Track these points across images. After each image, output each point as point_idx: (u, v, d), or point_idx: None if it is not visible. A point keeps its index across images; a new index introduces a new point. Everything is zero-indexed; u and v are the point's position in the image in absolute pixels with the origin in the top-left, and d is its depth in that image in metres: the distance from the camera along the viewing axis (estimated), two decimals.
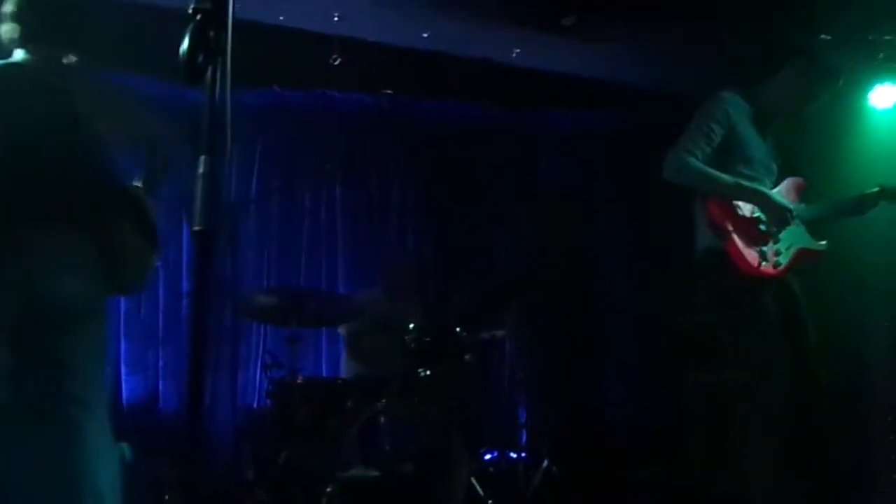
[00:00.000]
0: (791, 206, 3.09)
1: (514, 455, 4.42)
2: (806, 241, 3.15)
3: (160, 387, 4.92)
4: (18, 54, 2.38)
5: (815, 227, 3.25)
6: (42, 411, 2.17)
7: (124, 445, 2.79)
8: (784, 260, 3.05)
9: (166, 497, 3.58)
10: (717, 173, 3.04)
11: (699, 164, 3.02)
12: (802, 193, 3.28)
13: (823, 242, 3.20)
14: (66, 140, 2.30)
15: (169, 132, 2.44)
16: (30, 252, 2.21)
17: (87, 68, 2.44)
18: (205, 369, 1.33)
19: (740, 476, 3.05)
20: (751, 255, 3.02)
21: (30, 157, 2.24)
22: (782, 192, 3.19)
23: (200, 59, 1.31)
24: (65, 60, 2.40)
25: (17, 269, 2.20)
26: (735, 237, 3.02)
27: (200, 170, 1.33)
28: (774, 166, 3.24)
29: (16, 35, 2.37)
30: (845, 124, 4.80)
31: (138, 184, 2.50)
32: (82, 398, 2.22)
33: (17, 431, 2.14)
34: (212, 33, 1.32)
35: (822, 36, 3.21)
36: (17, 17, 2.36)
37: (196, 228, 1.30)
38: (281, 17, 4.56)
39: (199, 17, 1.33)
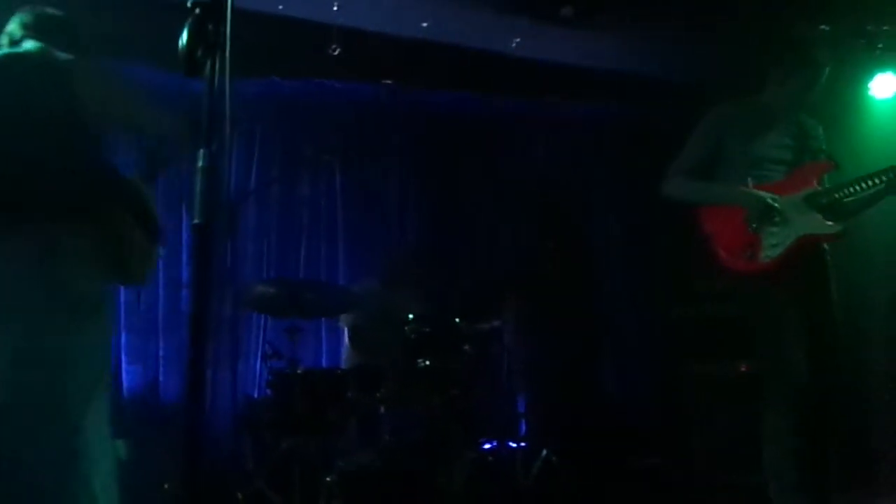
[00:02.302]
0: (768, 198, 3.05)
1: (513, 445, 4.44)
2: (812, 227, 3.04)
3: (160, 377, 4.92)
4: (27, 44, 2.42)
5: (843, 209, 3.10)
6: (42, 411, 2.17)
7: (119, 442, 2.76)
8: (775, 252, 3.02)
9: (165, 486, 3.59)
10: (698, 184, 3.23)
11: (682, 179, 3.25)
12: (827, 175, 3.18)
13: (835, 225, 3.04)
14: (64, 127, 2.30)
15: (176, 123, 2.45)
16: (40, 244, 2.21)
17: (93, 58, 2.46)
18: (204, 362, 1.34)
19: (755, 464, 3.04)
20: (735, 252, 3.08)
21: (29, 144, 2.24)
22: (795, 178, 3.15)
23: (199, 52, 1.31)
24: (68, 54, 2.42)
25: (28, 261, 2.20)
26: (718, 238, 3.15)
27: (200, 163, 1.33)
28: (788, 157, 3.21)
29: (20, 32, 2.44)
30: (846, 114, 4.80)
31: (136, 175, 2.49)
32: (82, 395, 2.21)
33: (15, 432, 2.15)
34: (210, 27, 1.32)
35: (821, 26, 3.18)
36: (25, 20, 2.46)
37: (195, 222, 1.30)
38: (280, 7, 4.55)
39: (197, 10, 1.33)
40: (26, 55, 2.39)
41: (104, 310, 2.36)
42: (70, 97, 2.30)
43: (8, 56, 2.40)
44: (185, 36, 1.30)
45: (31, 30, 2.45)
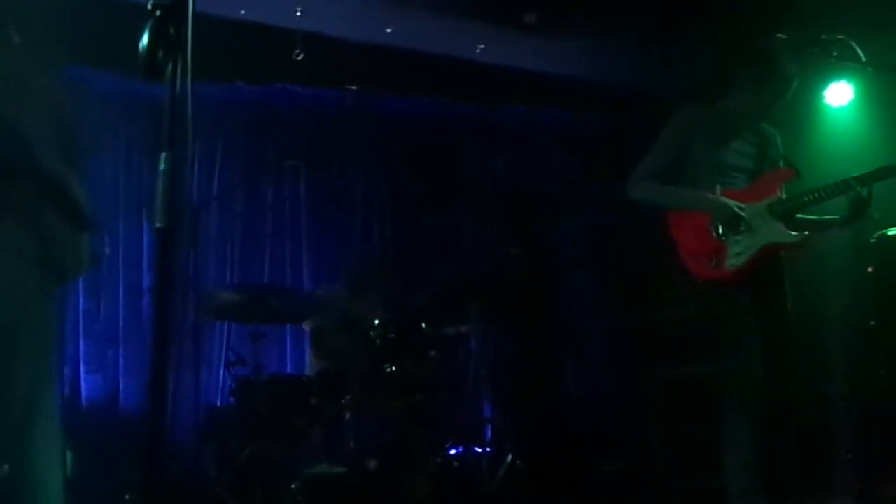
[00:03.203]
0: (735, 207, 3.08)
1: (478, 450, 4.44)
2: (774, 236, 3.08)
3: (120, 385, 4.84)
4: None
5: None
6: None
7: (69, 455, 2.60)
8: (740, 261, 3.05)
9: (127, 497, 3.53)
10: (665, 187, 3.21)
11: (650, 182, 3.21)
12: (788, 184, 3.22)
13: (797, 234, 3.09)
14: None
15: (77, 110, 2.28)
16: None
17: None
18: (166, 367, 1.32)
19: (714, 469, 3.07)
20: (701, 259, 3.10)
21: None
22: (758, 186, 3.19)
23: (160, 55, 1.30)
24: None
25: None
26: (684, 245, 3.15)
27: (161, 167, 1.32)
28: (750, 165, 3.25)
29: None
30: (801, 122, 4.89)
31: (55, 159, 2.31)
32: (26, 403, 2.09)
33: None
34: (172, 29, 1.31)
35: (779, 35, 3.23)
36: None
37: (158, 226, 1.29)
38: (242, 12, 4.52)
39: (158, 12, 1.32)
40: None
41: (40, 310, 2.20)
42: None
43: None
44: (145, 38, 1.29)
45: None
